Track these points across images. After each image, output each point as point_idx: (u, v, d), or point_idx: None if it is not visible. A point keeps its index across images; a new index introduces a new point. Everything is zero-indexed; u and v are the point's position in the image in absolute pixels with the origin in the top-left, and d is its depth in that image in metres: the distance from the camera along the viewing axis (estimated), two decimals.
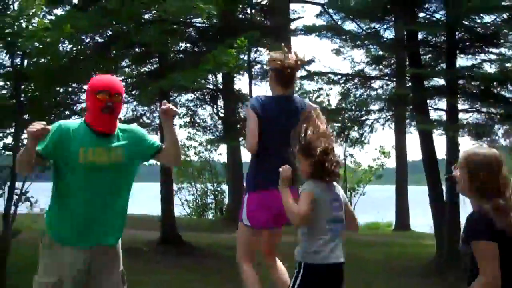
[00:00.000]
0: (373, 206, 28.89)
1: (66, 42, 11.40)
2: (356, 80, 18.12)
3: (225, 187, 25.10)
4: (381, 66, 18.05)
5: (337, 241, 3.68)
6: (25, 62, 11.14)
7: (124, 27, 11.49)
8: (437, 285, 12.27)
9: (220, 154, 25.60)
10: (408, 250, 16.65)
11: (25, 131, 10.94)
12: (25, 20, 9.55)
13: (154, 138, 4.10)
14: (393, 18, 15.32)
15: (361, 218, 28.58)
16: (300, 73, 4.11)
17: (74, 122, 3.92)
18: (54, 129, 3.72)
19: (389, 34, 16.97)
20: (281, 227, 4.76)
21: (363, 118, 16.63)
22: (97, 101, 3.74)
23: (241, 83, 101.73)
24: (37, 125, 3.47)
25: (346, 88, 18.34)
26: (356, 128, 17.66)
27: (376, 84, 18.36)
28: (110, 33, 12.85)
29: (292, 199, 3.66)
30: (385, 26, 15.88)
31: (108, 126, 3.80)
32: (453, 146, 13.98)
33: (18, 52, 11.02)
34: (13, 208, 11.29)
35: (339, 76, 17.86)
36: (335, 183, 3.75)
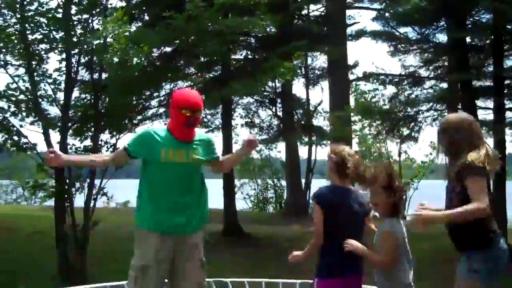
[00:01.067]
0: (428, 201, 28.73)
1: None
2: (408, 81, 18.33)
3: (284, 182, 25.72)
4: (432, 67, 18.19)
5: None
6: (103, 75, 12.18)
7: (189, 40, 12.23)
8: None
9: (280, 151, 26.29)
10: None
11: (100, 136, 11.93)
12: (113, 38, 10.49)
13: (217, 150, 4.43)
14: (444, 23, 15.63)
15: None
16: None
17: (159, 128, 4.26)
18: (142, 134, 4.21)
19: (442, 37, 17.21)
20: None
21: (414, 116, 16.87)
22: (181, 115, 4.04)
23: (298, 86, 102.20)
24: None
25: (400, 88, 18.56)
26: (407, 125, 17.89)
27: (427, 84, 18.48)
28: (176, 45, 13.60)
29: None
30: (437, 30, 16.19)
31: (188, 137, 4.15)
32: (500, 143, 14.23)
33: (95, 67, 12.10)
34: (92, 202, 12.28)
35: (391, 77, 18.18)
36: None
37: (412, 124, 16.70)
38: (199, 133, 4.30)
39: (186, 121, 4.05)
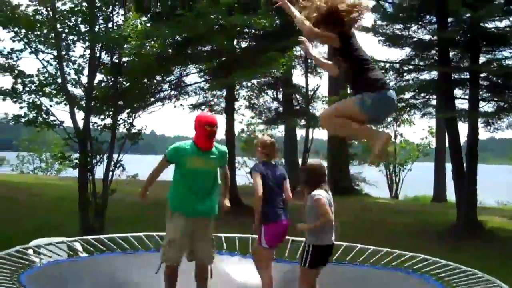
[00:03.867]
0: (420, 182, 29.41)
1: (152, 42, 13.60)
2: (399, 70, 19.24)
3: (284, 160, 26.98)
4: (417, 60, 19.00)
5: None
6: (122, 61, 13.53)
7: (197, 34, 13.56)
8: (450, 244, 13.54)
9: (281, 132, 27.59)
10: (435, 217, 18.15)
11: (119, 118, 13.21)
12: (131, 34, 11.91)
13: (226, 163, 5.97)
14: (424, 20, 16.82)
15: (408, 192, 28.93)
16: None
17: (187, 142, 5.69)
18: (175, 148, 5.64)
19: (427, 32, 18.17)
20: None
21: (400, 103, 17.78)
22: (205, 130, 5.53)
23: (297, 72, 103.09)
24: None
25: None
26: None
27: (412, 75, 19.21)
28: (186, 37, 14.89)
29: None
30: (422, 27, 17.25)
31: (209, 146, 5.64)
32: (473, 130, 15.55)
33: (115, 52, 13.46)
34: (110, 173, 13.62)
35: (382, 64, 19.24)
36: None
37: (408, 108, 17.67)
38: (218, 145, 5.81)
39: (208, 134, 5.56)
